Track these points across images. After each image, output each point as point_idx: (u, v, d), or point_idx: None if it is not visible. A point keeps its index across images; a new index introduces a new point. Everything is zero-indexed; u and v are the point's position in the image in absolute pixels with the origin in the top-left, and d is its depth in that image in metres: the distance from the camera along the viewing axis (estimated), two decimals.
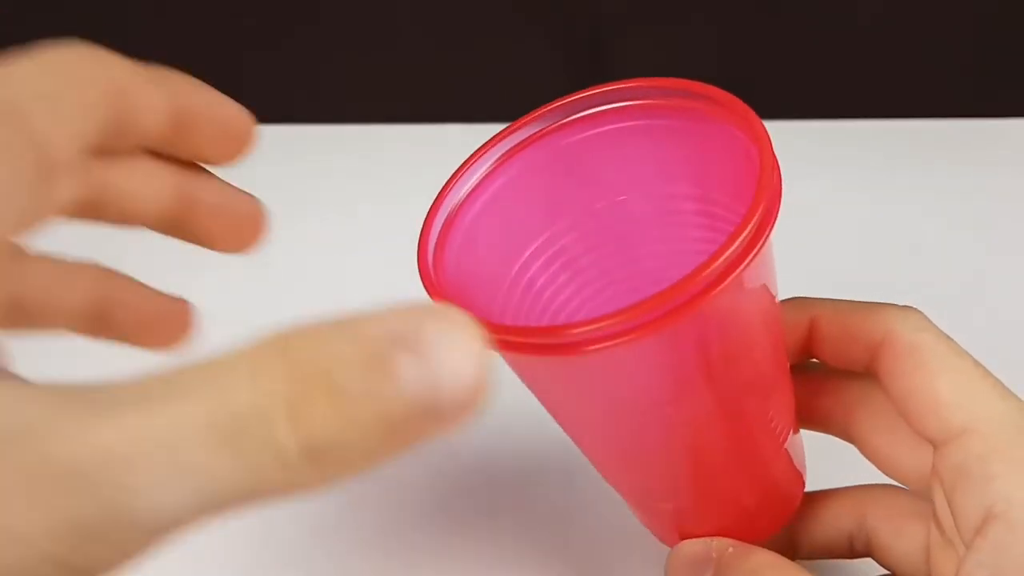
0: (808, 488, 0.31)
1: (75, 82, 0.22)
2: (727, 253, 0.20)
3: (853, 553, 0.30)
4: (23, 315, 0.25)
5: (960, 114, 0.61)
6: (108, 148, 0.23)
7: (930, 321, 0.28)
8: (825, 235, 0.52)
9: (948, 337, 0.28)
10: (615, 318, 0.21)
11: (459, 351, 0.15)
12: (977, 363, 0.27)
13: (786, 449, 0.29)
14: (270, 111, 0.64)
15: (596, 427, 0.27)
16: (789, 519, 0.30)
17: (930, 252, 0.51)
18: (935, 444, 0.26)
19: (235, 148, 0.25)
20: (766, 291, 0.25)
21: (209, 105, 0.25)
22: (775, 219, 0.22)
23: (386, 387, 0.15)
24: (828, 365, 0.30)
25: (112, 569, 0.15)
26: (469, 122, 0.58)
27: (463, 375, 0.15)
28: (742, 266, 0.21)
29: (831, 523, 0.30)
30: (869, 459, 0.29)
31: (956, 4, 0.62)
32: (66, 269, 0.26)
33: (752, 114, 0.24)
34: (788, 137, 0.61)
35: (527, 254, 0.28)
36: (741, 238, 0.21)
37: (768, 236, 0.22)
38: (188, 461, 0.15)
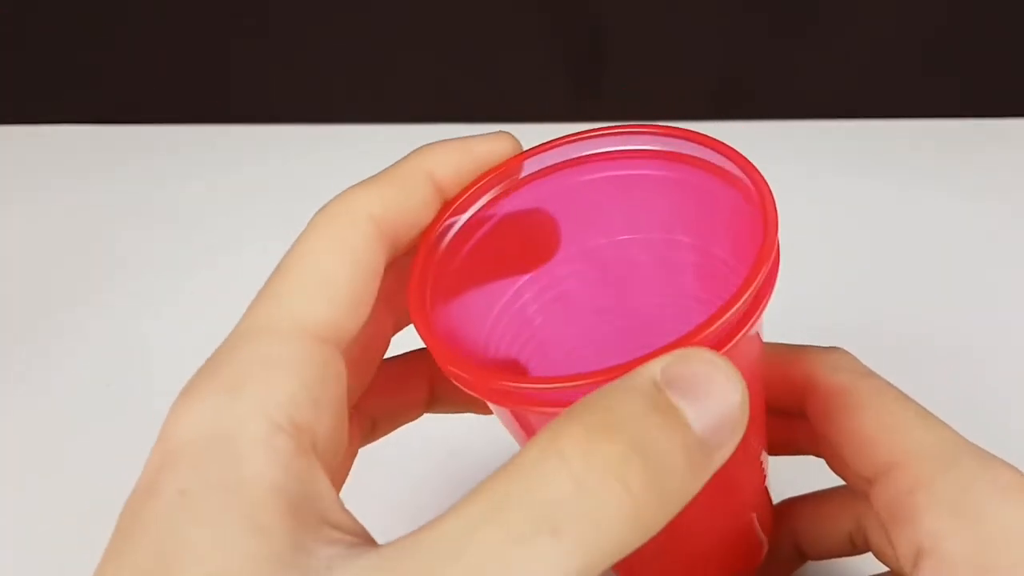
0: (802, 491, 0.31)
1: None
2: (725, 316, 0.19)
3: (856, 550, 0.30)
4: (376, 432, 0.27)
5: (961, 114, 0.61)
6: None
7: (853, 359, 0.28)
8: (826, 234, 0.52)
9: (871, 373, 0.27)
10: (604, 375, 0.20)
11: (724, 387, 0.17)
12: (901, 395, 0.26)
13: (754, 516, 0.29)
14: (269, 110, 0.64)
15: None
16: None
17: (932, 251, 0.51)
18: (868, 482, 0.26)
19: None
20: (757, 345, 0.25)
21: None
22: (774, 285, 0.21)
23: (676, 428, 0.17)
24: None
25: None
26: (469, 122, 0.58)
27: (732, 405, 0.17)
28: (740, 334, 0.20)
29: (831, 524, 0.30)
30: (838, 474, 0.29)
31: (956, 4, 0.62)
32: (401, 374, 0.27)
33: (756, 173, 0.23)
34: (788, 136, 0.62)
35: (523, 281, 0.28)
36: (741, 301, 0.19)
37: (766, 305, 0.22)
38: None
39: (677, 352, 0.18)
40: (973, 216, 0.53)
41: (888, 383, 0.27)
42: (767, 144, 0.60)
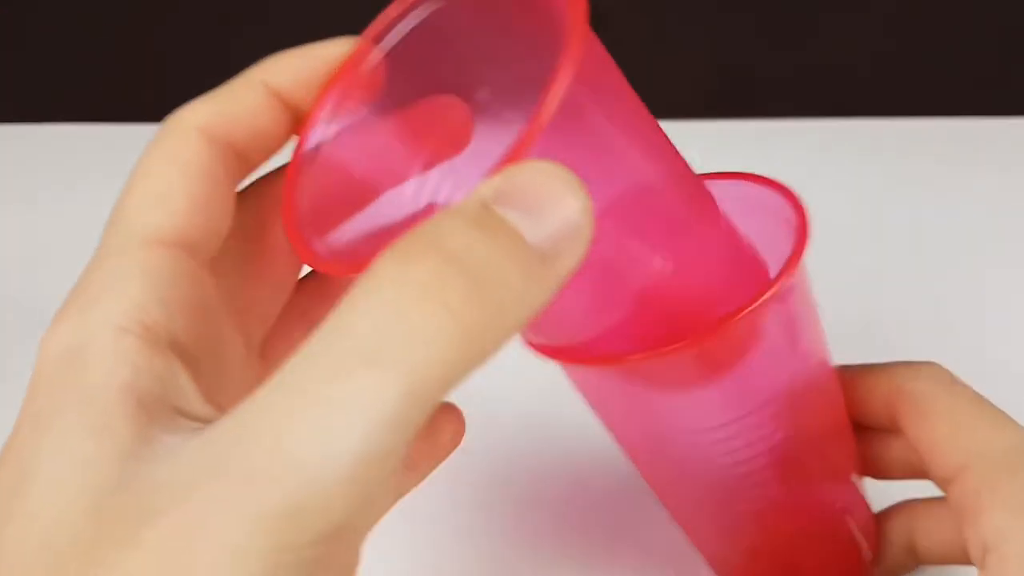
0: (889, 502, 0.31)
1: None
2: (541, 121, 0.17)
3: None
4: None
5: (962, 113, 0.61)
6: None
7: (940, 369, 0.29)
8: (826, 234, 0.52)
9: (954, 381, 0.29)
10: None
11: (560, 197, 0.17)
12: (977, 399, 0.28)
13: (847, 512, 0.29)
14: None
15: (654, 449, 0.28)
16: None
17: (934, 250, 0.51)
18: (946, 483, 0.27)
19: None
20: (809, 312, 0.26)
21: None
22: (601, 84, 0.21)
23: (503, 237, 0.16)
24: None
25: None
26: None
27: (571, 211, 0.16)
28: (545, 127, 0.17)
29: (946, 528, 0.30)
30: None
31: (956, 4, 0.62)
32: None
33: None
34: (789, 136, 0.61)
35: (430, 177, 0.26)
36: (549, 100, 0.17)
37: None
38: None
39: (506, 169, 0.17)
40: (976, 215, 0.53)
41: (968, 388, 0.28)
42: (767, 143, 0.60)
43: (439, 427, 0.27)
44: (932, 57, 0.63)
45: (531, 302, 0.16)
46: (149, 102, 0.66)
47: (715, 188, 0.27)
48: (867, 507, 0.31)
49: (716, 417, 0.25)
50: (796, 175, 0.58)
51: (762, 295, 0.23)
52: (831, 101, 0.62)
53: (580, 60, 0.18)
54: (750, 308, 0.23)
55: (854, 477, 0.30)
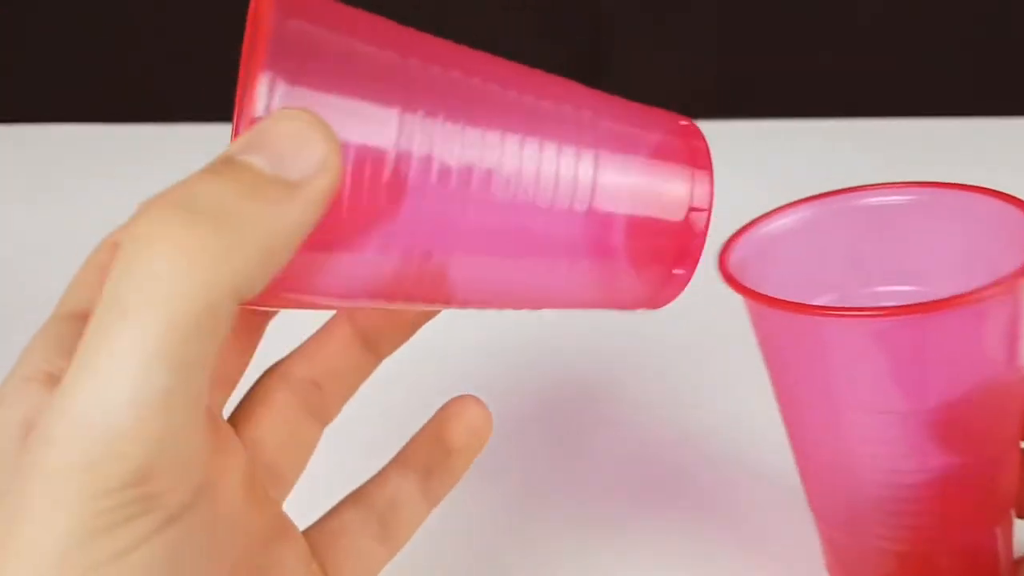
0: None
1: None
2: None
3: None
4: None
5: (963, 112, 0.61)
6: None
7: None
8: None
9: None
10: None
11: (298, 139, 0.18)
12: None
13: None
14: None
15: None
16: None
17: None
18: None
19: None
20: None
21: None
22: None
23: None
24: None
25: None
26: None
27: (301, 132, 0.18)
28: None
29: None
30: None
31: (957, 4, 0.62)
32: None
33: None
34: (789, 136, 0.61)
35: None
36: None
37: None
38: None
39: (258, 123, 0.19)
40: None
41: None
42: (767, 143, 0.60)
43: (448, 426, 0.26)
44: (932, 56, 0.63)
45: (286, 220, 0.18)
46: (149, 102, 0.66)
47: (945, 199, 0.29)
48: (1010, 540, 0.30)
49: (896, 401, 0.26)
50: (796, 175, 0.58)
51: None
52: (831, 101, 0.62)
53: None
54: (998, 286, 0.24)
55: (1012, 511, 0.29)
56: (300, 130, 0.18)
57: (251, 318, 0.25)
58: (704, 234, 0.26)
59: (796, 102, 0.62)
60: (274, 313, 0.26)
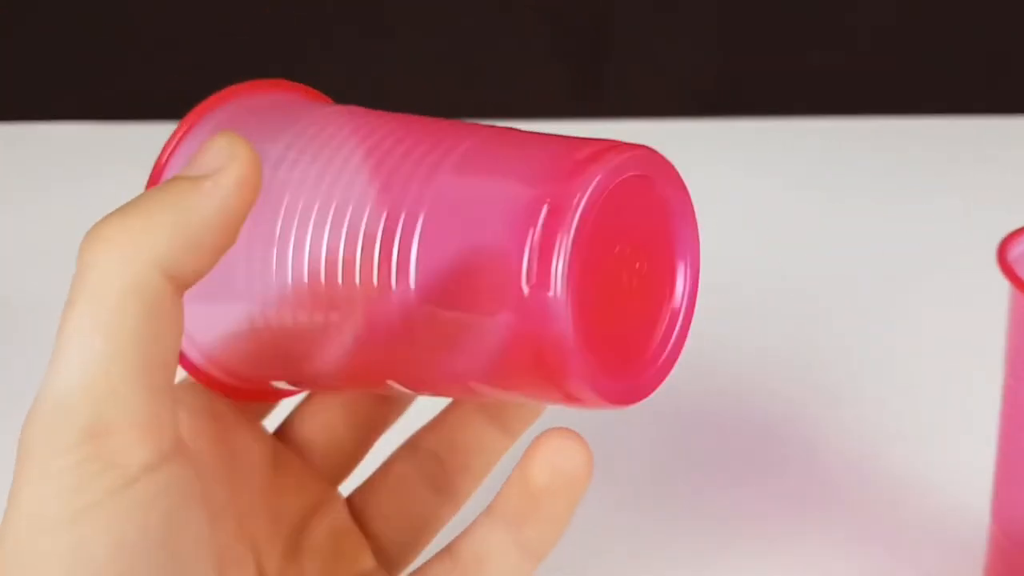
0: None
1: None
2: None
3: None
4: None
5: (963, 112, 0.61)
6: None
7: None
8: (828, 232, 0.52)
9: None
10: None
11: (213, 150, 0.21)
12: None
13: None
14: None
15: None
16: None
17: (935, 248, 0.51)
18: None
19: None
20: None
21: None
22: None
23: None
24: None
25: None
26: (467, 118, 0.58)
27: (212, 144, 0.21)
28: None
29: None
30: None
31: (957, 4, 0.62)
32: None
33: None
34: (789, 136, 0.61)
35: None
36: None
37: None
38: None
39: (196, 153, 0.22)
40: (973, 214, 0.53)
41: None
42: (767, 143, 0.59)
43: (529, 465, 0.24)
44: (932, 56, 0.63)
45: (201, 205, 0.21)
46: (149, 102, 0.66)
47: None
48: None
49: None
50: (795, 175, 0.58)
51: None
52: (831, 101, 0.62)
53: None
54: None
55: None
56: (212, 142, 0.21)
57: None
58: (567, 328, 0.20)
59: (796, 102, 0.62)
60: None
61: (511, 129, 0.23)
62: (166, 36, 0.66)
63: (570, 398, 0.21)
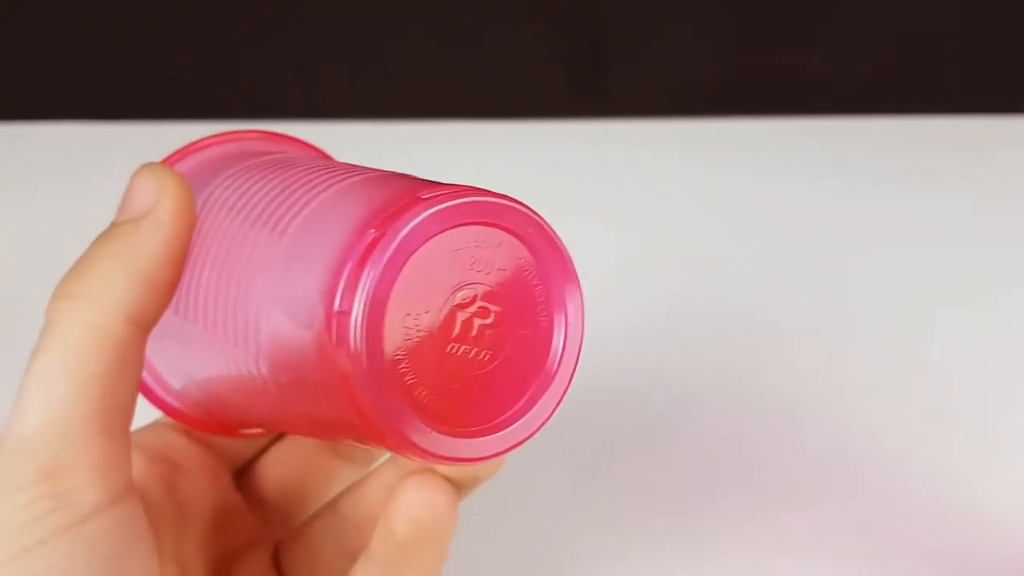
0: None
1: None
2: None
3: None
4: None
5: (964, 112, 0.61)
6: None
7: None
8: (828, 231, 0.52)
9: None
10: None
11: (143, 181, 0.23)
12: None
13: None
14: (268, 108, 0.64)
15: None
16: None
17: (935, 247, 0.51)
18: None
19: None
20: None
21: None
22: None
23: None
24: None
25: None
26: (467, 119, 0.58)
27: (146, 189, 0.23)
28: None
29: None
30: None
31: (957, 4, 0.62)
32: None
33: None
34: (789, 136, 0.62)
35: None
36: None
37: None
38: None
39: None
40: (973, 213, 0.53)
41: None
42: (767, 143, 0.60)
43: (390, 511, 0.23)
44: (932, 56, 0.63)
45: (147, 246, 0.22)
46: (149, 102, 0.66)
47: None
48: None
49: None
50: (796, 175, 0.58)
51: None
52: (831, 101, 0.62)
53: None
54: None
55: None
56: (139, 176, 0.23)
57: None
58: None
59: (797, 102, 0.62)
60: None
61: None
62: (166, 36, 0.66)
63: (399, 448, 0.20)
